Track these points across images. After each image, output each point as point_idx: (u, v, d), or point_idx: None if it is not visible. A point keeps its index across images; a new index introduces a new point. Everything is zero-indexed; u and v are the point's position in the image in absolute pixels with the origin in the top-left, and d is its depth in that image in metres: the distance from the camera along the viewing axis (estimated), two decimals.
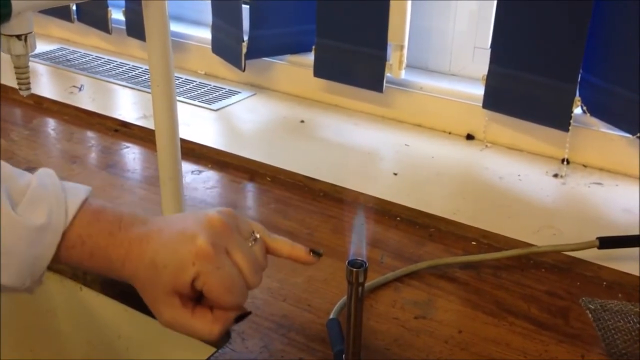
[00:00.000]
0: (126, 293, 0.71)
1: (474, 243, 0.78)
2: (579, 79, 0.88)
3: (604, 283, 0.71)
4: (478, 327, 0.64)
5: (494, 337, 0.63)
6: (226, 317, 0.52)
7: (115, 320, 0.72)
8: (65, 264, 0.52)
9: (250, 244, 0.53)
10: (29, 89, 0.56)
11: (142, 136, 1.03)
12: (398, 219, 0.83)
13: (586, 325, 0.65)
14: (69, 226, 0.51)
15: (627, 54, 0.84)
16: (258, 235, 0.54)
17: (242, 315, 0.54)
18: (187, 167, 0.95)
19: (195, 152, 0.99)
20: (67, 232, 0.51)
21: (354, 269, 0.51)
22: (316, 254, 0.55)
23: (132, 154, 0.99)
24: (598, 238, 0.71)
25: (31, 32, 0.53)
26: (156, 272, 0.50)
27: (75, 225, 0.51)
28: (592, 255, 0.73)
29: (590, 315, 0.57)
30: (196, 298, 0.52)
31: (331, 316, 0.64)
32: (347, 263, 0.51)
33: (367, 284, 0.55)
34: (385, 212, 0.84)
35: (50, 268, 0.73)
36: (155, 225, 0.52)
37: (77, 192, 0.52)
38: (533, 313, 0.66)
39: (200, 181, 0.92)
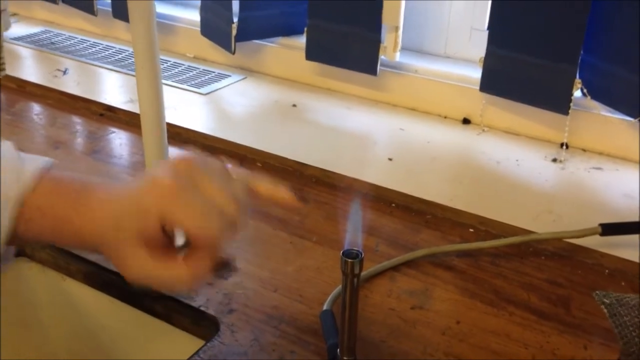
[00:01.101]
0: (110, 283, 0.68)
1: (471, 230, 0.76)
2: (579, 61, 0.86)
3: (606, 271, 0.69)
4: (477, 318, 0.62)
5: (494, 328, 0.61)
6: (201, 261, 0.47)
7: (99, 311, 0.69)
8: (25, 240, 0.49)
9: (227, 181, 0.48)
10: (3, 69, 0.52)
11: (128, 120, 1.00)
12: (393, 205, 0.80)
13: (588, 315, 0.63)
14: (27, 197, 0.48)
15: (629, 34, 0.82)
16: (235, 175, 0.50)
17: (225, 265, 0.50)
18: (174, 152, 0.92)
19: (182, 137, 0.96)
20: (25, 202, 0.48)
21: (349, 260, 0.48)
22: (302, 199, 0.52)
23: (118, 139, 0.96)
24: (600, 224, 0.69)
25: (5, 10, 0.50)
26: (120, 226, 0.46)
27: (35, 196, 0.48)
28: (593, 242, 0.71)
29: (605, 311, 0.54)
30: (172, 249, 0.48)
31: (324, 307, 0.61)
32: (341, 253, 0.48)
33: (362, 273, 0.53)
34: (380, 198, 0.81)
35: (31, 257, 0.70)
36: (118, 186, 0.49)
37: (35, 162, 0.50)
38: (533, 302, 0.64)
39: None
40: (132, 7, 0.61)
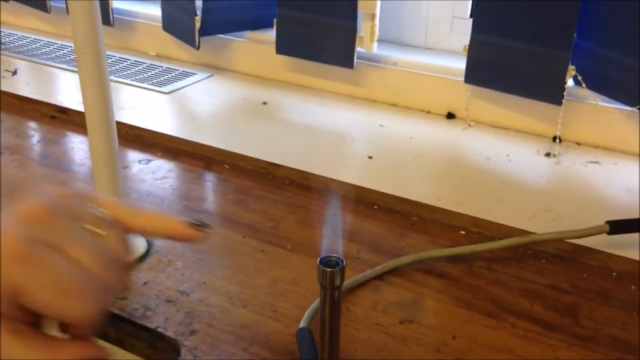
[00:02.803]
0: None
1: (462, 232, 0.69)
2: (572, 46, 0.79)
3: (614, 274, 0.63)
4: (475, 331, 0.55)
5: (494, 343, 0.54)
6: (74, 352, 0.37)
7: None
8: None
9: (98, 231, 0.38)
10: None
11: (82, 123, 0.90)
12: (375, 207, 0.73)
13: (599, 324, 0.56)
14: None
15: (626, 16, 0.76)
16: (108, 218, 0.39)
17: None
18: (133, 155, 0.84)
19: (143, 139, 0.88)
20: None
21: (328, 269, 0.41)
22: (200, 225, 0.40)
23: (70, 143, 0.88)
24: (607, 222, 0.62)
25: None
26: None
27: None
28: (597, 242, 0.65)
29: None
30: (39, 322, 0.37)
31: (301, 325, 0.54)
32: (318, 262, 0.41)
33: (343, 283, 0.46)
34: (360, 200, 0.74)
35: None
36: None
37: None
38: (537, 312, 0.58)
39: (148, 171, 0.80)
40: None
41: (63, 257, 0.35)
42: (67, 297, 0.35)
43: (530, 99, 0.85)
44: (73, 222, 0.37)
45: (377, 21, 0.93)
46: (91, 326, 0.37)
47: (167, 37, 1.12)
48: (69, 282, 0.35)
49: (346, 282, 0.59)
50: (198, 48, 1.04)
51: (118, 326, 0.55)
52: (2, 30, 1.29)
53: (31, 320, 0.36)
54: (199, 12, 1.02)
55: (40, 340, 0.36)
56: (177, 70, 1.10)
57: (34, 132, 0.91)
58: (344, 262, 0.43)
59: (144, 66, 1.11)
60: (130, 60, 1.14)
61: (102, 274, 0.36)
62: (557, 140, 0.87)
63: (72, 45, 1.11)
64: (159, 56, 1.17)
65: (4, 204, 0.39)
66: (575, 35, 0.79)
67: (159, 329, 0.55)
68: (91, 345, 0.38)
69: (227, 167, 0.82)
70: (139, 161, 0.83)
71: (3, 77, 1.06)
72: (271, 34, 1.02)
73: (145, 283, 0.60)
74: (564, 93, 0.81)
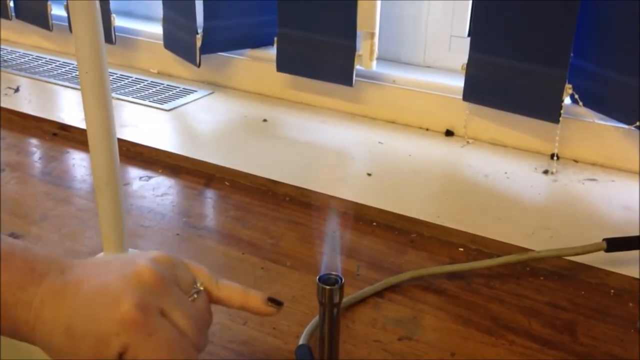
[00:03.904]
0: None
1: (461, 249, 0.69)
2: (569, 65, 0.80)
3: (612, 291, 0.63)
4: (473, 348, 0.55)
5: None
6: None
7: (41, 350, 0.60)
8: None
9: (191, 298, 0.43)
10: None
11: (83, 140, 0.91)
12: (374, 224, 0.73)
13: (597, 342, 0.56)
14: None
15: (622, 35, 0.76)
16: (201, 287, 0.44)
17: None
18: (134, 172, 0.85)
19: (144, 156, 0.89)
20: None
21: (327, 287, 0.41)
22: (275, 303, 0.45)
23: (71, 160, 0.88)
24: (605, 240, 0.62)
25: None
26: (73, 342, 0.39)
27: None
28: (595, 259, 0.65)
29: None
30: None
31: (301, 341, 0.55)
32: (317, 279, 0.41)
33: (342, 300, 0.46)
34: (360, 217, 0.74)
35: None
36: (74, 274, 0.41)
37: None
38: (535, 329, 0.58)
39: (149, 188, 0.81)
40: (73, 7, 0.53)
41: (169, 324, 0.40)
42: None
43: (528, 117, 0.86)
44: (176, 289, 0.41)
45: (376, 40, 0.94)
46: None
47: (169, 55, 1.13)
48: (173, 347, 0.40)
49: (345, 299, 0.59)
50: (199, 66, 1.05)
51: None
52: (4, 47, 1.30)
53: None
54: (200, 31, 1.03)
55: None
56: (178, 87, 1.11)
57: (36, 149, 0.92)
58: (343, 280, 0.44)
59: (145, 84, 1.12)
60: (131, 77, 1.15)
61: (194, 337, 0.41)
62: (555, 158, 0.87)
63: (74, 62, 1.12)
64: (160, 74, 1.18)
65: (120, 256, 0.43)
66: (571, 54, 0.80)
67: None
68: None
69: (228, 184, 0.82)
70: (140, 178, 0.84)
71: (5, 94, 1.07)
72: (272, 52, 1.03)
73: None
74: (561, 111, 0.82)
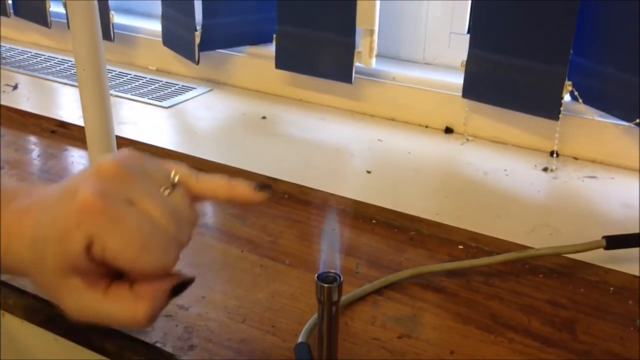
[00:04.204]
0: (54, 319, 0.59)
1: (460, 247, 0.69)
2: (569, 62, 0.80)
3: (611, 289, 0.63)
4: (472, 346, 0.55)
5: (492, 358, 0.54)
6: (153, 291, 0.39)
7: (42, 350, 0.61)
8: None
9: (165, 191, 0.40)
10: None
11: (82, 137, 0.91)
12: (374, 221, 0.73)
13: (597, 339, 0.56)
14: None
15: (622, 32, 0.76)
16: (176, 179, 0.41)
17: (181, 285, 0.40)
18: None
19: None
20: None
21: (326, 285, 0.41)
22: (263, 187, 0.42)
23: (70, 158, 0.88)
24: (604, 237, 0.62)
25: None
26: (39, 249, 0.37)
27: None
28: (595, 257, 0.64)
29: None
30: (116, 273, 0.39)
31: (299, 339, 0.54)
32: (316, 277, 0.41)
33: (341, 298, 0.46)
34: (359, 214, 0.74)
35: None
36: (40, 192, 0.40)
37: None
38: (534, 327, 0.57)
39: None
40: (71, 4, 0.53)
41: (138, 211, 0.37)
42: (143, 249, 0.36)
43: (528, 114, 0.85)
44: (145, 180, 0.38)
45: (375, 37, 0.94)
46: (163, 281, 0.39)
47: (167, 52, 1.12)
48: (144, 234, 0.36)
49: (344, 297, 0.59)
50: (198, 63, 1.05)
51: (117, 341, 0.56)
52: (3, 44, 1.29)
53: (102, 272, 0.38)
54: (198, 28, 1.02)
55: (116, 290, 0.38)
56: (177, 84, 1.11)
57: (34, 147, 0.92)
58: (342, 278, 0.43)
59: (144, 81, 1.12)
60: (130, 74, 1.14)
61: (171, 228, 0.38)
62: (555, 155, 0.87)
63: (73, 59, 1.12)
64: (159, 71, 1.18)
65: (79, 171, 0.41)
66: (571, 51, 0.79)
67: (158, 344, 0.54)
68: (162, 284, 0.39)
69: None
70: None
71: (4, 91, 1.07)
72: (270, 49, 1.03)
73: None
74: (561, 108, 0.81)
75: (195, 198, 0.42)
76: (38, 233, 0.37)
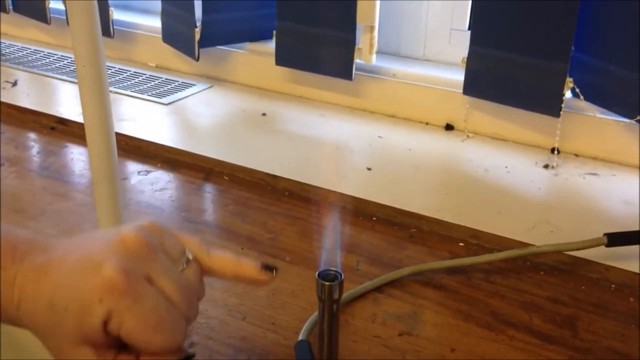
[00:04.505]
0: None
1: (461, 244, 0.69)
2: (570, 58, 0.79)
3: (613, 286, 0.62)
4: (473, 344, 0.55)
5: (493, 355, 0.54)
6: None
7: (43, 350, 0.60)
8: None
9: (181, 268, 0.41)
10: None
11: (81, 134, 0.90)
12: (374, 219, 0.73)
13: (598, 337, 0.56)
14: None
15: (623, 29, 0.76)
16: (190, 256, 0.42)
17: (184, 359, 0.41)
18: (133, 167, 0.84)
19: (142, 150, 0.88)
20: None
21: (327, 283, 0.41)
22: (270, 269, 0.43)
23: (70, 154, 0.88)
24: (606, 234, 0.62)
25: None
26: (56, 316, 0.38)
27: None
28: (596, 254, 0.64)
29: None
30: (122, 344, 0.40)
31: (300, 337, 0.54)
32: (317, 275, 0.41)
33: (342, 296, 0.46)
34: (360, 211, 0.74)
35: None
36: (57, 251, 0.40)
37: None
38: (535, 324, 0.57)
39: (147, 182, 0.80)
40: (70, 3, 0.53)
41: (155, 290, 0.38)
42: (157, 329, 0.38)
43: (529, 111, 0.85)
44: (163, 256, 0.39)
45: (375, 33, 0.93)
46: (170, 357, 0.39)
47: (167, 48, 1.12)
48: (160, 315, 0.38)
49: (345, 294, 0.58)
50: (197, 59, 1.05)
51: None
52: (2, 41, 1.29)
53: (112, 343, 0.39)
54: (198, 24, 1.02)
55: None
56: (177, 81, 1.10)
57: (34, 143, 0.91)
58: (343, 276, 0.43)
59: (143, 77, 1.12)
60: (130, 71, 1.14)
61: (183, 307, 0.39)
62: (556, 152, 0.87)
63: (72, 56, 1.11)
64: (158, 67, 1.17)
65: (105, 230, 0.41)
66: (572, 47, 0.79)
67: None
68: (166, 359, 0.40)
69: (227, 178, 0.82)
70: (139, 172, 0.83)
71: (3, 88, 1.07)
72: (270, 46, 1.03)
73: None
74: (562, 105, 0.81)
75: (204, 273, 0.43)
76: (58, 301, 0.38)
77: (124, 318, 0.37)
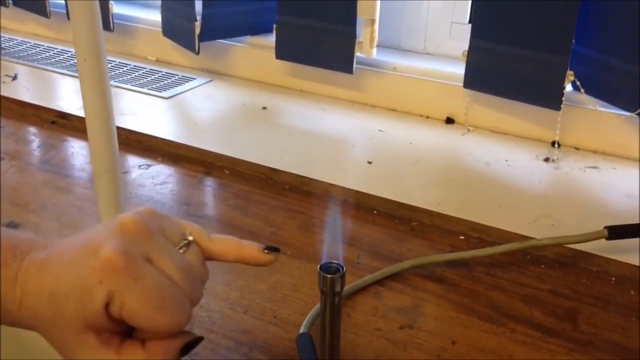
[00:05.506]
0: None
1: (462, 237, 0.69)
2: (571, 52, 0.79)
3: (613, 279, 0.63)
4: (474, 337, 0.55)
5: (494, 348, 0.54)
6: (165, 349, 0.39)
7: (43, 350, 0.60)
8: None
9: (181, 250, 0.41)
10: None
11: (82, 128, 0.90)
12: (375, 212, 0.73)
13: (598, 330, 0.56)
14: None
15: (624, 22, 0.76)
16: (191, 238, 0.42)
17: (191, 343, 0.41)
18: (134, 160, 0.84)
19: (143, 144, 0.88)
20: None
21: (328, 276, 0.41)
22: (272, 250, 0.44)
23: (70, 148, 0.88)
24: (606, 227, 0.62)
25: None
26: (58, 306, 0.37)
27: None
28: (596, 247, 0.64)
29: None
30: (127, 331, 0.40)
31: (301, 330, 0.54)
32: (319, 268, 0.41)
33: (343, 289, 0.46)
34: (360, 205, 0.74)
35: None
36: (57, 247, 0.40)
37: None
38: (536, 317, 0.57)
39: (148, 176, 0.80)
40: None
41: (156, 269, 0.38)
42: (159, 309, 0.37)
43: (529, 104, 0.85)
44: (162, 238, 0.39)
45: (376, 27, 0.93)
46: (175, 340, 0.39)
47: (167, 42, 1.12)
48: (161, 293, 0.37)
49: (346, 288, 0.59)
50: (198, 53, 1.04)
51: None
52: (2, 35, 1.29)
53: (115, 329, 0.39)
54: (198, 18, 1.02)
55: (128, 348, 0.39)
56: (177, 75, 1.10)
57: (34, 138, 0.91)
58: (345, 269, 0.43)
59: (144, 71, 1.12)
60: (130, 65, 1.14)
61: (186, 287, 0.39)
62: (556, 146, 0.87)
63: (73, 50, 1.11)
64: (158, 61, 1.17)
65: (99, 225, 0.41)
66: (573, 40, 0.79)
67: None
68: (172, 342, 0.40)
69: (227, 172, 0.82)
70: (139, 166, 0.83)
71: (3, 82, 1.06)
72: (271, 39, 1.02)
73: None
74: (563, 98, 0.81)
75: (206, 257, 0.43)
76: (58, 290, 0.37)
77: (125, 298, 0.37)
